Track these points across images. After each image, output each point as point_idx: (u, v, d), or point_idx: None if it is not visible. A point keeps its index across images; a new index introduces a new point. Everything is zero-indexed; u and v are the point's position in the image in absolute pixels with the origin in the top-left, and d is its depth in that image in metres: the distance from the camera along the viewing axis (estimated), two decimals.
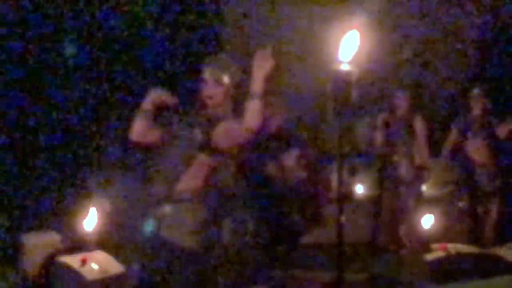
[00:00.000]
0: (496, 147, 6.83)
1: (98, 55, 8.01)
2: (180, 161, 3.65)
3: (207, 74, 3.75)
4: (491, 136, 6.86)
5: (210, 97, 3.72)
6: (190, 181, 3.61)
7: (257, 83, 3.52)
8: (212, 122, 3.66)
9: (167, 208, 3.64)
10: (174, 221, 3.61)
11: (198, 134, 3.65)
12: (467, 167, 6.94)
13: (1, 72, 7.37)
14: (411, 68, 8.96)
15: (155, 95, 3.77)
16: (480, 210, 6.82)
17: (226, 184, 3.73)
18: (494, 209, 6.79)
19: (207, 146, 3.62)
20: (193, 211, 3.62)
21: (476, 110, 6.93)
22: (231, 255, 4.47)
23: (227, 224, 3.98)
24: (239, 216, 4.72)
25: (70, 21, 7.90)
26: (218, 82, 3.72)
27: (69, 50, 7.94)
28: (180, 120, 3.75)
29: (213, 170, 3.67)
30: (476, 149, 6.77)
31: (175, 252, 3.58)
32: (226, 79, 3.73)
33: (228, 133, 3.63)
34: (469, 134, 6.93)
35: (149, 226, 3.68)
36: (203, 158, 3.64)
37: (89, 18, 8.00)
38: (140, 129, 3.77)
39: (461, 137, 7.03)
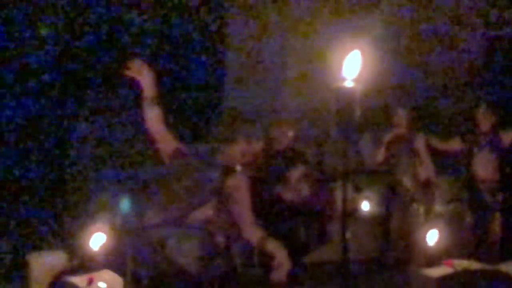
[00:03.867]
0: (502, 162, 6.82)
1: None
2: (191, 191, 3.67)
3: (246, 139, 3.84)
4: (498, 152, 6.85)
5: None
6: (201, 213, 3.63)
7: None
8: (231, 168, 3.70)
9: (172, 232, 3.65)
10: (180, 246, 3.63)
11: (214, 176, 3.67)
12: (471, 183, 6.93)
13: None
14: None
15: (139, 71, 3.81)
16: (483, 226, 6.80)
17: None
18: (498, 225, 6.77)
19: (219, 196, 3.64)
20: (199, 238, 3.64)
21: (484, 127, 6.92)
22: (237, 274, 4.46)
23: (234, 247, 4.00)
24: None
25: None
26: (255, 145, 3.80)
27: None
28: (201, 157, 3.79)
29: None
30: (482, 165, 6.76)
31: (179, 275, 3.59)
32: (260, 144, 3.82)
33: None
34: (476, 150, 6.93)
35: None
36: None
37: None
38: (151, 118, 3.82)
39: (467, 152, 7.03)
